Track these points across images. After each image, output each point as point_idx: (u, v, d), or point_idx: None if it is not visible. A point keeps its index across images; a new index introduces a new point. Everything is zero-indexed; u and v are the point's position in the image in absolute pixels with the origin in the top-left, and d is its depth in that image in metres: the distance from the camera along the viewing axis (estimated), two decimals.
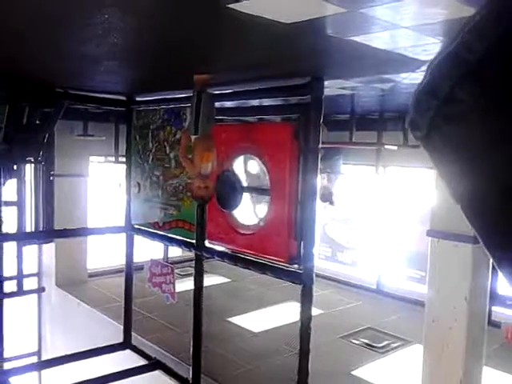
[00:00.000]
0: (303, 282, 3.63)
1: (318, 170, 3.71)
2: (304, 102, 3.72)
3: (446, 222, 3.73)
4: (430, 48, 2.66)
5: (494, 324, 6.00)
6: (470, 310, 3.72)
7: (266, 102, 4.38)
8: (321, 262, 8.63)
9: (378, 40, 2.53)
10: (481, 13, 0.32)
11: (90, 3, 2.13)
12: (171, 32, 2.62)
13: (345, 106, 6.05)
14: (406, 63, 2.92)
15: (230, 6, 2.06)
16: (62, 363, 5.50)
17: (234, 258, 4.35)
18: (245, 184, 4.37)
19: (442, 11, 2.09)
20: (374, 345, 6.17)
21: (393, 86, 3.85)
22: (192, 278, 4.86)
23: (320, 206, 7.92)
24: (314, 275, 3.64)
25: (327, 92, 3.74)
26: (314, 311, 3.83)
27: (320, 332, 5.00)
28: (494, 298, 4.24)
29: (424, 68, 3.05)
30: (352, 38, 2.48)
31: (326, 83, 3.62)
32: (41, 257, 8.29)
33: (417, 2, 2.04)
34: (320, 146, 3.66)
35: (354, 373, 5.41)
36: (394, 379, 5.33)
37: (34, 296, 8.08)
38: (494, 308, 5.61)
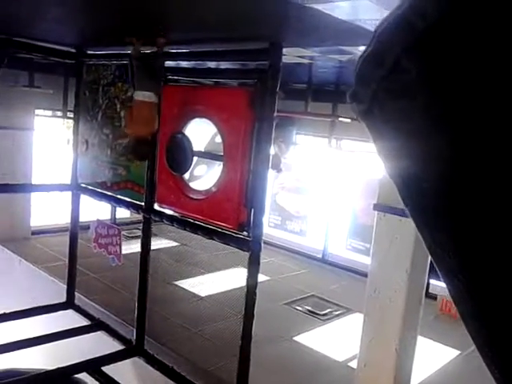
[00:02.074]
0: (251, 249, 3.65)
1: (272, 137, 3.68)
2: (262, 68, 3.65)
3: (392, 197, 3.82)
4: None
5: (430, 296, 6.32)
6: (409, 282, 3.86)
7: (224, 65, 4.28)
8: (270, 229, 8.72)
9: (338, 10, 2.49)
10: None
11: None
12: None
13: (302, 75, 6.01)
14: (365, 36, 2.89)
15: None
16: (1, 321, 5.35)
17: (182, 223, 4.30)
18: (197, 148, 4.29)
19: None
20: (317, 312, 6.35)
21: (351, 58, 3.84)
22: (139, 241, 4.79)
23: (271, 175, 7.96)
24: (261, 243, 3.67)
25: (285, 59, 3.69)
26: (261, 277, 3.87)
27: (265, 298, 5.09)
28: (433, 271, 4.42)
29: None
30: (313, 6, 2.43)
31: (285, 50, 3.56)
32: None
33: None
34: (275, 114, 3.63)
35: (295, 338, 5.56)
36: (334, 345, 5.52)
37: None
38: (431, 281, 5.89)
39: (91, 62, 5.12)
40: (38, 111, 7.70)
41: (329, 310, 6.49)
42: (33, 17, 3.83)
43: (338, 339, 5.74)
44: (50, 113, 7.93)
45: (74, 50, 5.18)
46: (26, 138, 7.59)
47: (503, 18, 0.26)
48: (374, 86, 0.32)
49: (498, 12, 0.27)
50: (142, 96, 4.05)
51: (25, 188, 6.03)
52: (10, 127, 6.71)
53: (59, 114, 7.40)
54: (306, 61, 4.60)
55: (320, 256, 8.22)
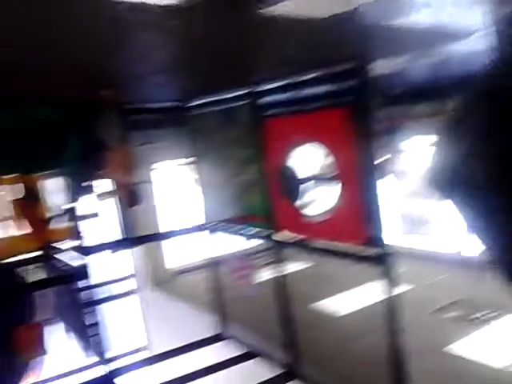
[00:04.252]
0: (382, 263, 3.63)
1: (380, 149, 3.69)
2: (356, 86, 3.70)
3: None
4: (471, 19, 2.58)
5: None
6: None
7: (319, 89, 4.38)
8: (401, 237, 8.51)
9: (421, 19, 2.50)
10: None
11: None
12: (223, 40, 2.69)
13: (400, 79, 5.91)
14: (452, 36, 2.86)
15: (268, 10, 2.12)
16: (168, 358, 5.84)
17: (308, 247, 4.41)
18: (306, 174, 4.42)
19: None
20: (468, 317, 5.99)
21: (443, 57, 3.75)
22: (273, 266, 4.99)
23: (389, 183, 7.82)
24: (392, 255, 3.62)
25: (379, 71, 3.71)
26: (400, 289, 3.75)
27: (409, 309, 4.96)
28: None
29: (471, 37, 2.96)
30: (392, 22, 2.47)
31: (375, 64, 3.58)
32: (132, 261, 8.85)
33: None
34: (377, 125, 3.64)
35: (447, 348, 5.31)
36: (492, 352, 5.14)
37: (134, 297, 8.60)
38: None
39: (196, 113, 5.56)
40: (156, 165, 8.43)
41: (481, 313, 6.09)
42: (142, 84, 4.30)
43: (495, 345, 5.35)
44: (166, 163, 8.59)
45: (179, 104, 5.67)
46: (148, 191, 8.33)
47: None
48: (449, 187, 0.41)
49: None
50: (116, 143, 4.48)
51: (164, 235, 6.62)
52: (138, 182, 7.40)
53: (176, 162, 7.98)
54: (399, 69, 4.56)
55: (457, 258, 7.78)
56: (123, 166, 4.48)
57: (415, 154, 8.23)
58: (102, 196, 5.15)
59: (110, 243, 6.35)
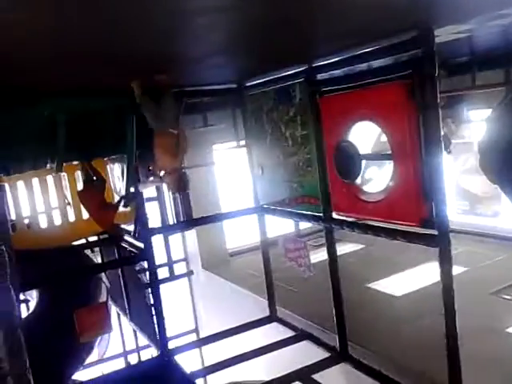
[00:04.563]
0: (439, 244, 3.51)
1: (441, 124, 3.52)
2: (416, 57, 3.53)
3: None
4: None
5: None
6: None
7: (375, 63, 4.23)
8: (458, 216, 8.19)
9: None
10: None
11: None
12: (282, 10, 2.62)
13: (463, 49, 5.60)
14: None
15: None
16: (219, 339, 5.97)
17: (363, 227, 4.34)
18: (364, 151, 4.30)
19: None
20: None
21: None
22: (325, 248, 4.95)
23: (448, 160, 7.49)
24: (449, 236, 3.50)
25: (440, 40, 3.51)
26: (458, 269, 3.65)
27: (467, 290, 4.78)
28: None
29: None
30: None
31: (437, 32, 3.39)
32: (185, 243, 9.02)
33: None
34: (438, 99, 3.47)
35: (508, 330, 5.12)
36: None
37: (185, 280, 8.82)
38: None
39: (252, 93, 5.53)
40: (215, 146, 8.50)
41: None
42: (199, 67, 4.31)
43: None
44: (226, 145, 8.66)
45: (235, 86, 5.66)
46: (210, 173, 8.44)
47: None
48: None
49: None
50: (161, 130, 4.48)
51: (217, 217, 6.68)
52: (195, 165, 7.51)
53: (234, 144, 8.03)
54: (463, 35, 4.29)
55: None
56: (170, 152, 4.50)
57: (479, 128, 7.82)
58: (154, 181, 5.25)
59: (169, 226, 6.52)
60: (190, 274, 8.31)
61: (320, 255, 6.59)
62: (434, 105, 3.42)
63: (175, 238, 8.29)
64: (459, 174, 8.34)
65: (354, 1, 2.56)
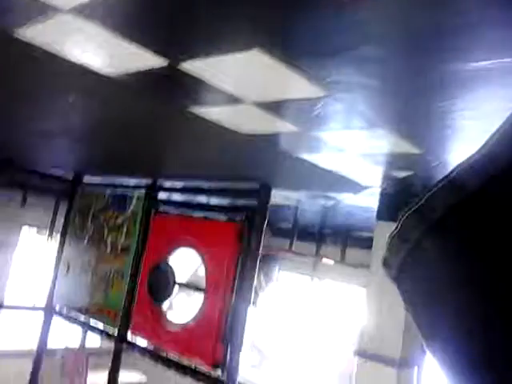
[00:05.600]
0: None
1: (256, 274, 3.71)
2: (250, 206, 3.81)
3: (373, 343, 3.75)
4: (371, 174, 2.86)
5: None
6: None
7: (214, 200, 4.46)
8: (247, 369, 8.30)
9: (324, 161, 2.71)
10: (439, 184, 0.36)
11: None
12: (133, 125, 2.70)
13: (288, 215, 6.23)
14: (348, 185, 3.11)
15: (193, 110, 2.17)
16: None
17: (155, 356, 4.13)
18: (180, 279, 4.28)
19: (385, 145, 2.30)
20: None
21: (335, 204, 4.05)
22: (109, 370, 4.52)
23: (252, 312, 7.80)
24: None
25: (273, 200, 3.88)
26: None
27: None
28: None
29: (365, 191, 3.26)
30: (301, 156, 2.65)
31: (273, 192, 3.76)
32: None
33: (364, 134, 2.24)
34: (261, 249, 3.70)
35: None
36: None
37: None
38: None
39: (86, 189, 5.30)
40: (25, 228, 7.74)
41: None
42: (36, 145, 4.07)
43: None
44: (35, 230, 7.94)
45: (70, 177, 5.39)
46: (7, 255, 7.52)
47: None
48: (401, 255, 0.39)
49: None
50: None
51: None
52: None
53: (46, 232, 7.41)
54: (292, 203, 4.82)
55: None
56: None
57: (285, 288, 8.44)
58: None
59: None
60: None
61: (100, 377, 5.98)
62: (256, 253, 3.64)
63: None
64: (256, 328, 8.65)
65: (210, 136, 2.74)
